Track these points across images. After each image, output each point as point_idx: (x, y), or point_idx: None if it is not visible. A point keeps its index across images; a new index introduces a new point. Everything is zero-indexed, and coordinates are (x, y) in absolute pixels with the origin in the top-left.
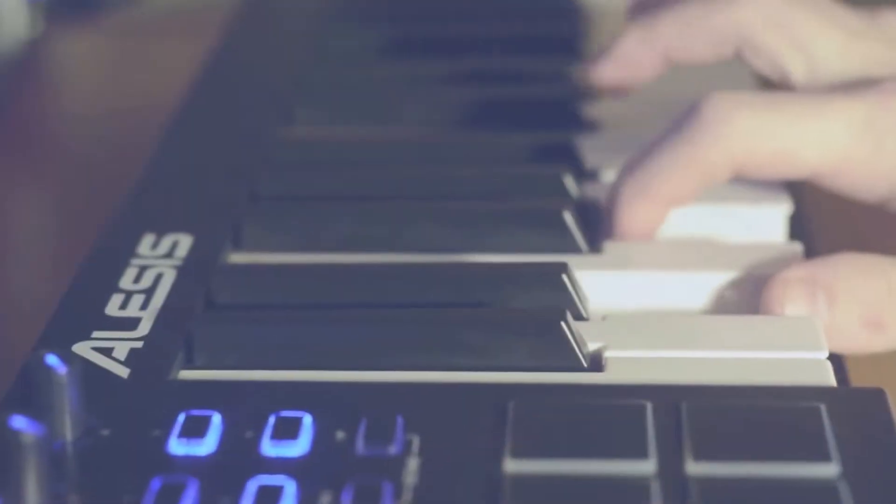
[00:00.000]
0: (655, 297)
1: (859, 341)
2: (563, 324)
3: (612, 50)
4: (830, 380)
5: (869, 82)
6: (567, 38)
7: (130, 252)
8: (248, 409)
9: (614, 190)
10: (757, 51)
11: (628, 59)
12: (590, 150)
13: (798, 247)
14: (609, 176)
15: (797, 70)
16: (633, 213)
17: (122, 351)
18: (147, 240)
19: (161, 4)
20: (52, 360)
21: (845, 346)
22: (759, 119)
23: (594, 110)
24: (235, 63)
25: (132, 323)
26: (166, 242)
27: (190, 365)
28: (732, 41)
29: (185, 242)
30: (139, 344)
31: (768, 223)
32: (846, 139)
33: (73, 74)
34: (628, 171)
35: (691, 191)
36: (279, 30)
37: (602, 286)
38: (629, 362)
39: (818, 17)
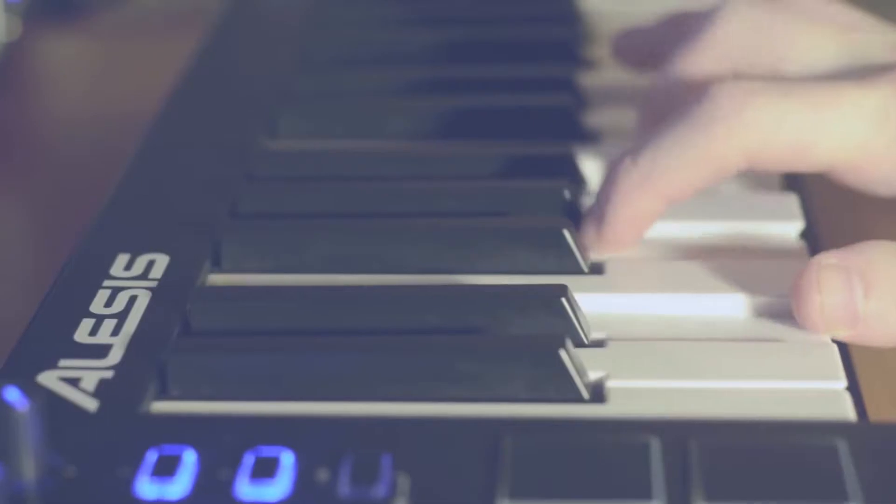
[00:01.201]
0: (662, 322)
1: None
2: (562, 352)
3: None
4: (849, 413)
5: (879, 68)
6: (566, 45)
7: (103, 273)
8: (224, 446)
9: (613, 177)
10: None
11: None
12: (590, 162)
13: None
14: None
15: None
16: (631, 206)
17: (90, 381)
18: (120, 260)
19: (145, 6)
20: (11, 394)
21: (883, 336)
22: (774, 109)
23: (594, 119)
24: (217, 69)
25: (102, 350)
26: (141, 263)
27: (164, 395)
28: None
29: (160, 263)
30: (109, 374)
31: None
32: (864, 130)
33: (55, 78)
34: (631, 158)
35: (699, 185)
36: (264, 34)
37: (605, 309)
38: (633, 393)
39: (803, 28)
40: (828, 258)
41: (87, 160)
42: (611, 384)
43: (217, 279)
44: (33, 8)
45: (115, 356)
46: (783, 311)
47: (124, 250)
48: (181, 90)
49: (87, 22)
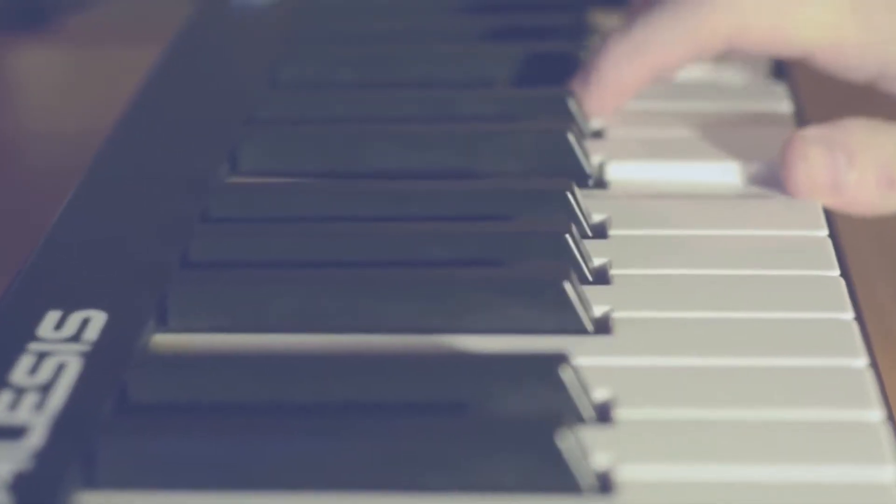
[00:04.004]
0: (679, 392)
1: (875, 200)
2: (558, 438)
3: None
4: None
5: None
6: (566, 59)
7: (28, 334)
8: None
9: (605, 45)
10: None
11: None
12: (595, 202)
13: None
14: (616, 233)
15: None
16: (619, 71)
17: (4, 471)
18: (50, 318)
19: (112, 12)
20: None
21: (862, 206)
22: None
23: (597, 145)
24: (175, 88)
25: (21, 431)
26: (74, 321)
27: (92, 484)
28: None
29: (97, 321)
30: (28, 462)
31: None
32: (833, 20)
33: (18, 88)
34: (622, 31)
35: (682, 60)
36: (230, 47)
37: (612, 377)
38: (647, 484)
39: None
40: (811, 131)
41: (52, 176)
42: (619, 472)
43: (163, 340)
44: None
45: (36, 438)
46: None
47: (55, 306)
48: (133, 112)
49: (53, 30)
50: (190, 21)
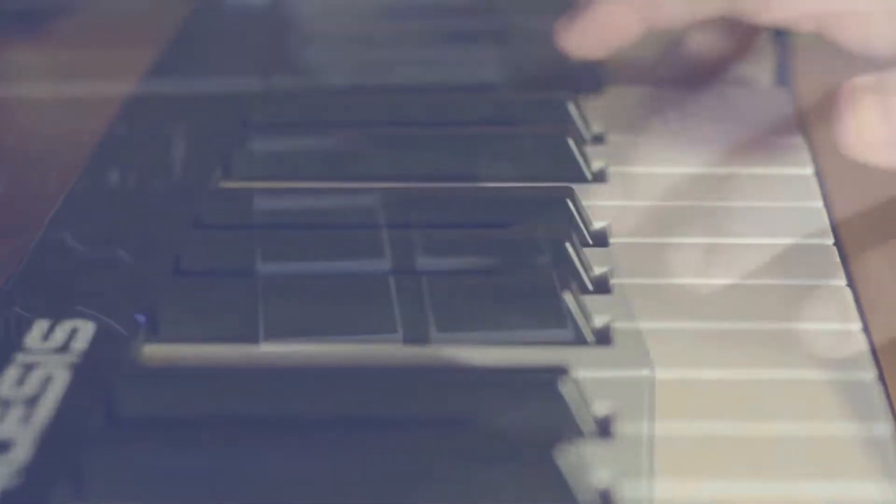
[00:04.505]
0: (682, 405)
1: None
2: (557, 451)
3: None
4: None
5: None
6: (565, 68)
7: (14, 344)
8: None
9: None
10: None
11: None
12: (595, 203)
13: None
14: (618, 238)
15: None
16: (611, 13)
17: None
18: (38, 327)
19: (111, 12)
20: None
21: None
22: None
23: (597, 151)
24: (169, 92)
25: (6, 446)
26: (62, 331)
27: (79, 499)
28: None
29: (85, 331)
30: (14, 478)
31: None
32: None
33: (18, 88)
34: None
35: (678, 17)
36: (225, 51)
37: (613, 388)
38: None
39: None
40: (862, 79)
41: (48, 179)
42: (621, 488)
43: (154, 351)
44: None
45: (22, 453)
46: None
47: (44, 315)
48: (126, 115)
49: (50, 30)
50: (185, 23)
